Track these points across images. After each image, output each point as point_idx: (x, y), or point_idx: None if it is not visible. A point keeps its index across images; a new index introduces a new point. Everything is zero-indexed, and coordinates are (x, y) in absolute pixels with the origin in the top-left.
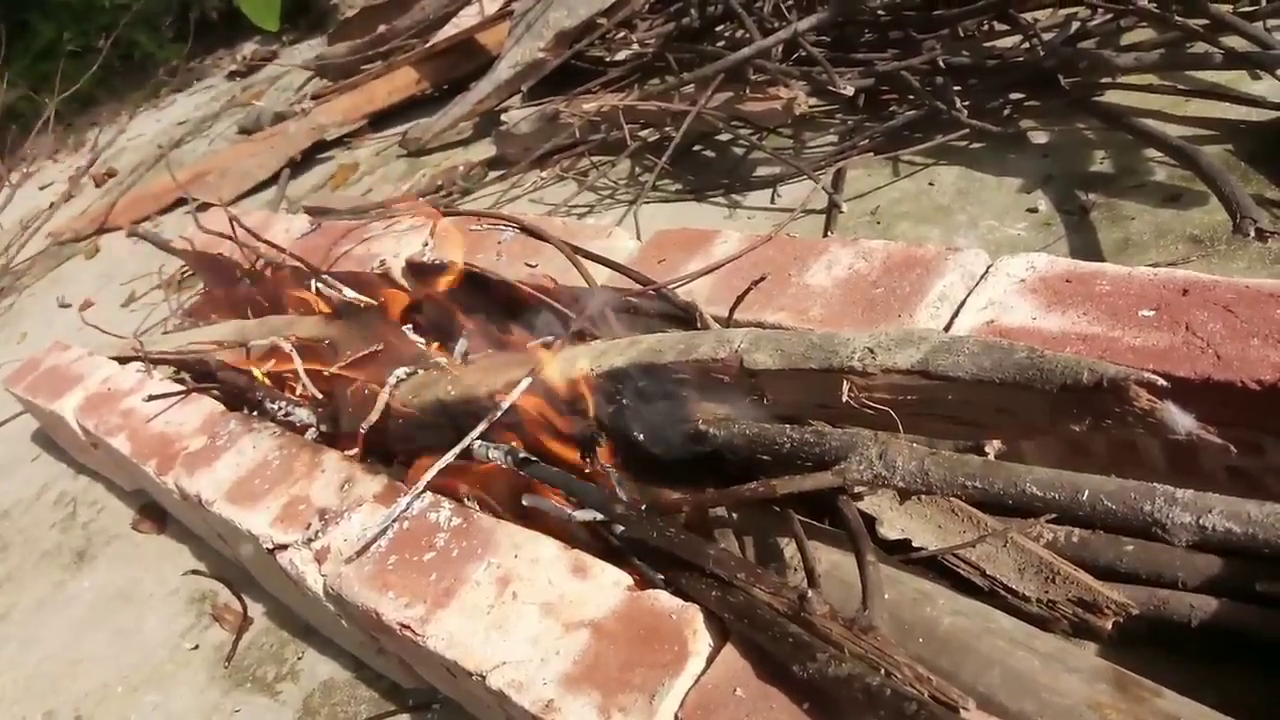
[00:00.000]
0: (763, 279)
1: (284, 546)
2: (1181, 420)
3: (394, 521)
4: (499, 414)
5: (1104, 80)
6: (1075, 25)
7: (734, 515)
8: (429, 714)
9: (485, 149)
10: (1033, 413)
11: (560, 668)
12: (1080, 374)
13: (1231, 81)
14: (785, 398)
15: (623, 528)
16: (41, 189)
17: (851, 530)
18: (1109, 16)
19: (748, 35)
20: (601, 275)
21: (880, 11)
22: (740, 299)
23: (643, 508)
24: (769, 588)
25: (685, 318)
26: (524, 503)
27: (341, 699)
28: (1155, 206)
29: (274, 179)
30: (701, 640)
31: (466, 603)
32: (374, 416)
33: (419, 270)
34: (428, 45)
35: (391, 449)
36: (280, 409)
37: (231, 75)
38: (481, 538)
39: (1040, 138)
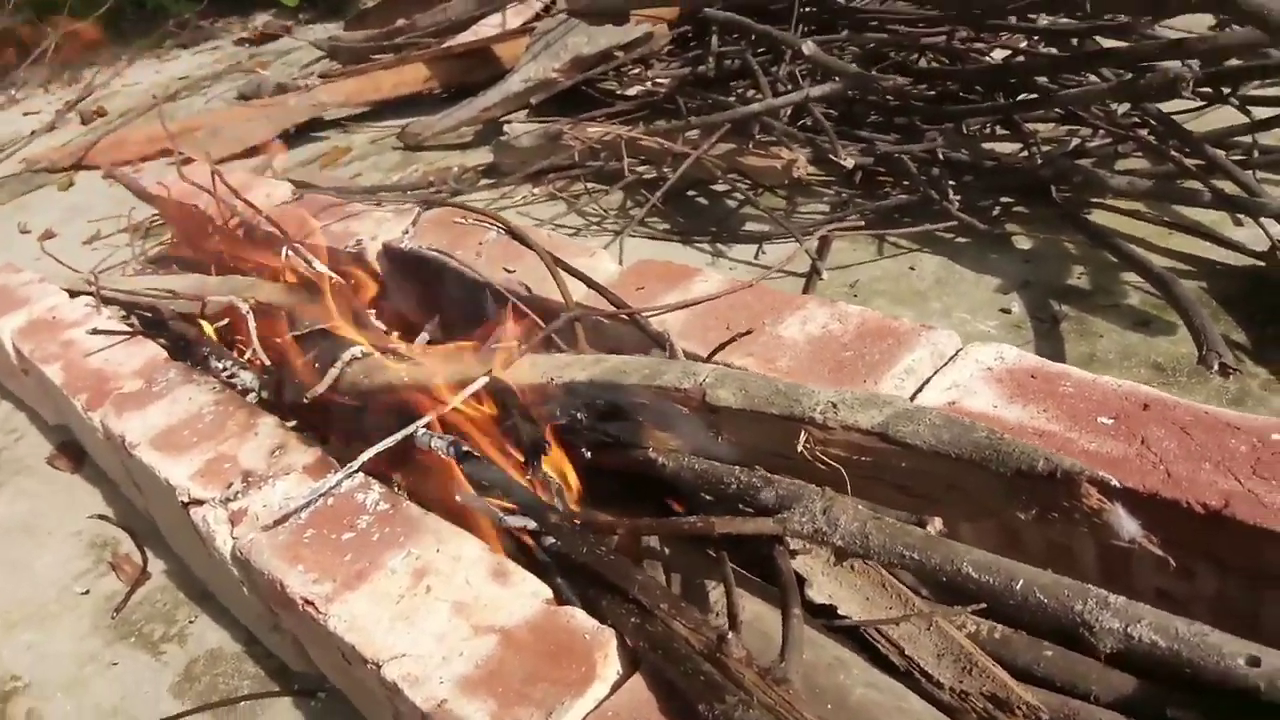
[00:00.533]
0: (747, 333)
1: (200, 502)
2: (1128, 525)
3: (320, 496)
4: (449, 406)
5: (1095, 199)
6: (1075, 141)
7: (666, 549)
8: (313, 701)
9: (482, 156)
10: (983, 493)
11: (461, 669)
12: (1036, 461)
13: (1215, 223)
14: (741, 439)
15: (553, 539)
16: (25, 115)
17: (782, 581)
18: (1108, 140)
19: (759, 93)
20: (578, 292)
21: (889, 96)
22: (720, 348)
23: (577, 523)
24: (689, 623)
25: (655, 346)
26: (456, 498)
27: (226, 671)
28: (1124, 328)
29: (265, 148)
30: (611, 666)
31: (377, 589)
32: (321, 388)
33: (394, 256)
34: (444, 46)
35: (330, 426)
36: (225, 369)
37: (240, 41)
38: (406, 526)
39: (1024, 243)
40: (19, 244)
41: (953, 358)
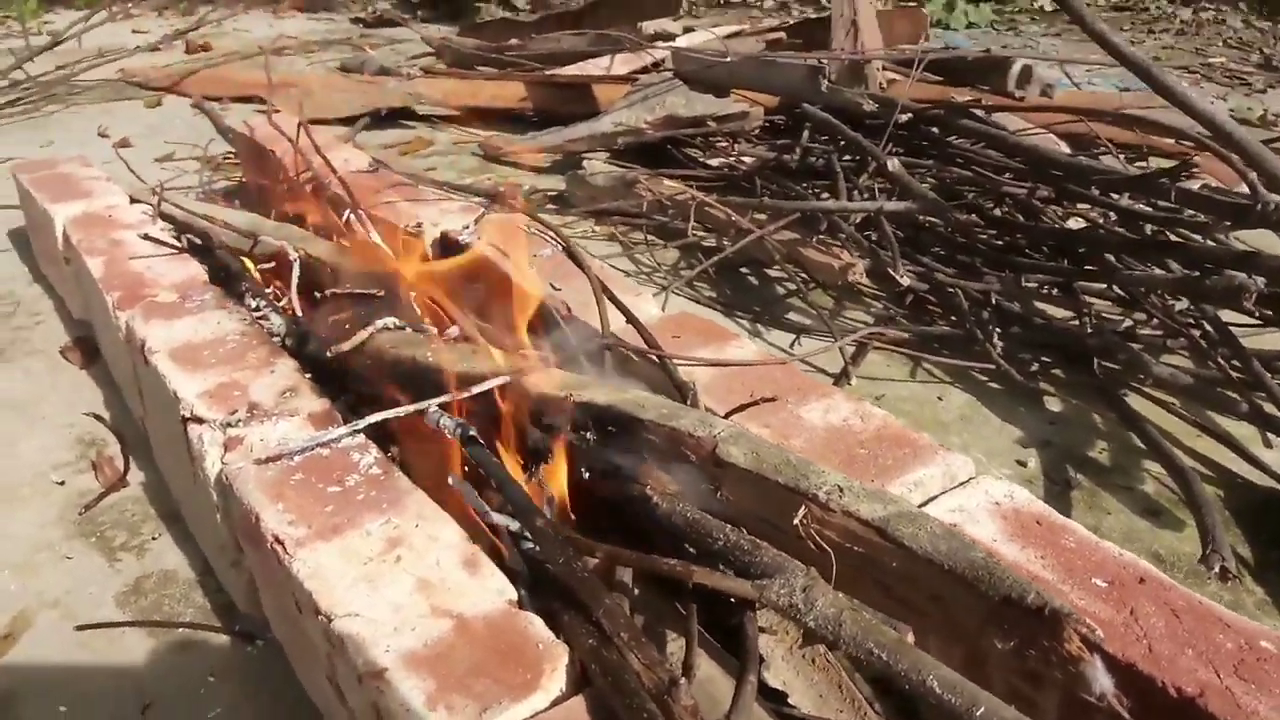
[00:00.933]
0: (771, 399)
1: (200, 421)
2: (1102, 680)
3: (318, 445)
4: (467, 393)
5: (1134, 382)
6: (1127, 323)
7: (635, 589)
8: (250, 646)
9: (553, 183)
10: (966, 613)
11: (409, 644)
12: (1026, 593)
13: (1245, 438)
14: (739, 499)
15: (532, 544)
16: (134, 32)
17: (745, 646)
18: (1159, 331)
19: (833, 194)
20: (616, 325)
21: (957, 230)
22: (741, 408)
23: (560, 535)
24: (645, 659)
25: (677, 393)
26: (449, 481)
27: (174, 594)
28: (1134, 512)
29: (351, 121)
30: (556, 680)
31: (349, 546)
32: (349, 346)
33: (449, 246)
34: (547, 73)
35: (344, 386)
36: (257, 308)
37: (356, 20)
38: (392, 495)
39: (1054, 404)
40: (94, 145)
41: (964, 483)
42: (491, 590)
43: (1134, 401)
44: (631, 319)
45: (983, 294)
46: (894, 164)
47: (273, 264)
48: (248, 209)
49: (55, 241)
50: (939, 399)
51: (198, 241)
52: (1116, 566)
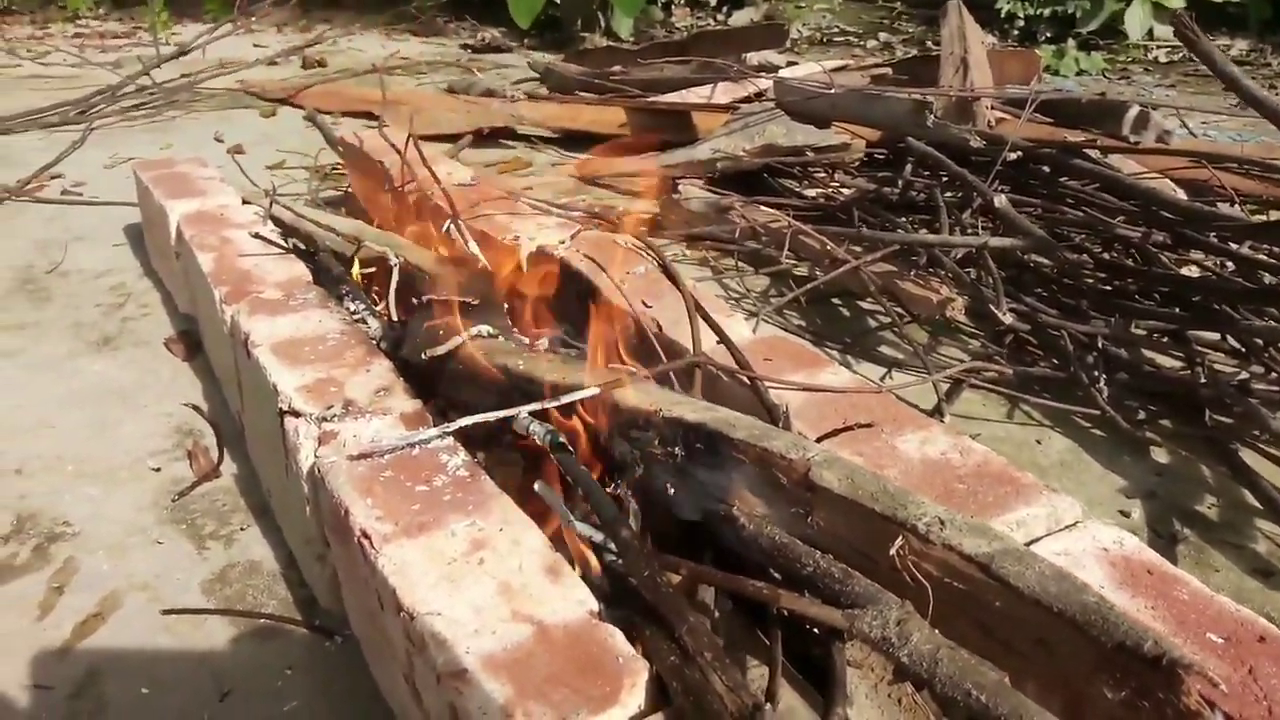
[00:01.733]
0: (869, 425)
1: (296, 414)
2: None
3: (410, 444)
4: (557, 402)
5: (1248, 436)
6: (1243, 375)
7: (716, 611)
8: (328, 642)
9: (647, 207)
10: (1074, 659)
11: (489, 646)
12: (1144, 641)
13: None
14: (830, 527)
15: (616, 556)
16: (255, 46)
17: (833, 678)
18: (1278, 387)
19: (935, 228)
20: (707, 344)
21: (1065, 270)
22: (835, 433)
23: (644, 549)
24: (729, 681)
25: (767, 416)
26: (535, 487)
27: (258, 585)
28: (1244, 571)
29: (456, 139)
30: (636, 696)
31: (434, 545)
32: (443, 349)
33: (544, 259)
34: (648, 99)
35: (434, 388)
36: (356, 310)
37: (465, 46)
38: (478, 498)
39: (1160, 455)
40: (209, 149)
41: (1069, 526)
42: (573, 599)
43: (1246, 457)
44: (724, 338)
45: (1088, 337)
46: (1001, 200)
47: (373, 269)
48: (352, 217)
49: (168, 236)
50: (1037, 442)
51: (303, 246)
52: (1234, 623)
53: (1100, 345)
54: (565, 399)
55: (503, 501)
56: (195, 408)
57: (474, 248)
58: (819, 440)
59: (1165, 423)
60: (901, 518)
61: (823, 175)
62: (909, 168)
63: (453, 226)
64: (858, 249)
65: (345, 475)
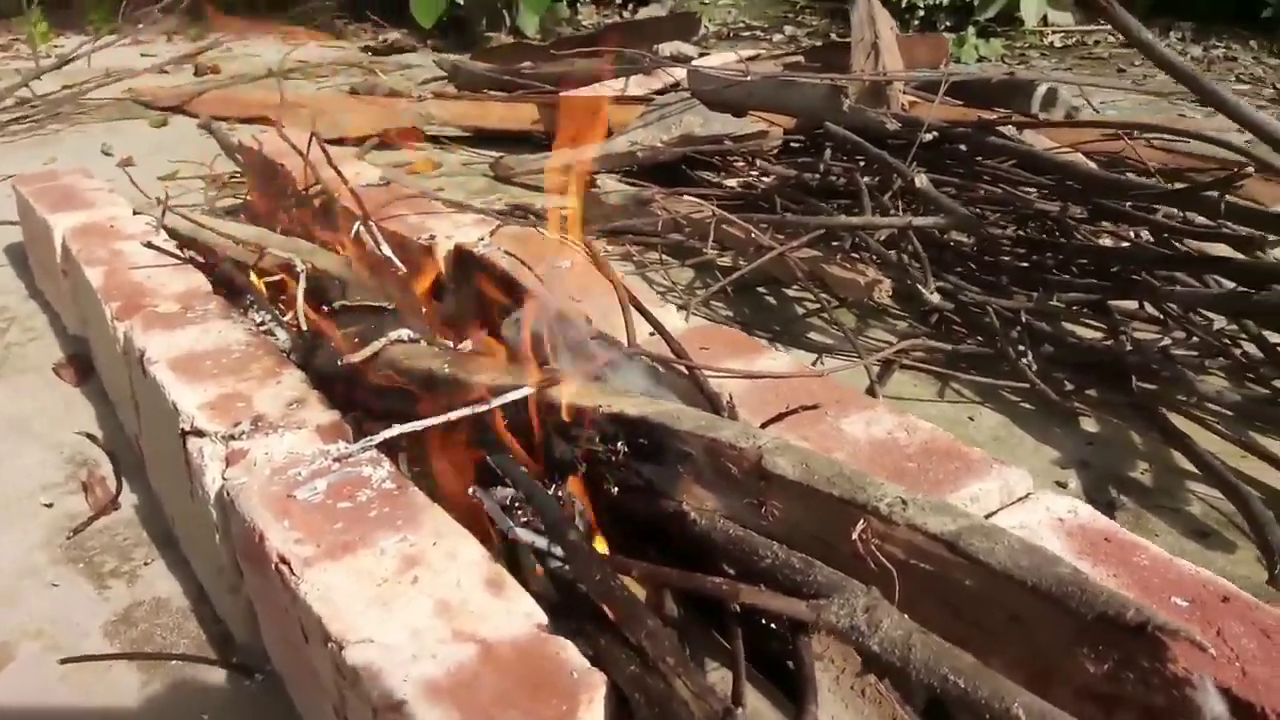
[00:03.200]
0: (814, 407)
1: (200, 434)
2: (1215, 704)
3: (329, 460)
4: (489, 405)
5: (1177, 400)
6: (1166, 341)
7: (672, 614)
8: (248, 680)
9: (565, 203)
10: (1051, 634)
11: (430, 672)
12: (1125, 609)
13: None
14: (787, 515)
15: (563, 561)
16: (144, 55)
17: (803, 674)
18: (1196, 351)
19: (858, 209)
20: (642, 336)
21: (990, 246)
22: (779, 417)
23: (593, 552)
24: (695, 688)
25: (709, 405)
26: (469, 493)
27: (166, 624)
28: (1181, 534)
29: (361, 141)
30: (594, 712)
31: (361, 566)
32: (360, 357)
33: (463, 260)
34: (561, 94)
35: (353, 399)
36: (262, 322)
37: (366, 48)
38: (407, 511)
39: (1089, 425)
40: (97, 162)
41: (1022, 499)
42: (518, 613)
43: (1174, 422)
44: (659, 329)
45: (1012, 312)
46: (922, 180)
47: (279, 278)
48: (254, 224)
49: (53, 253)
50: (970, 419)
51: (200, 257)
52: (1196, 585)
53: (1024, 320)
54: (497, 401)
55: (434, 513)
56: (89, 436)
57: (386, 249)
58: (764, 426)
59: (1092, 393)
60: (861, 500)
61: (742, 164)
62: (828, 153)
63: (363, 229)
64: (782, 236)
65: (258, 497)
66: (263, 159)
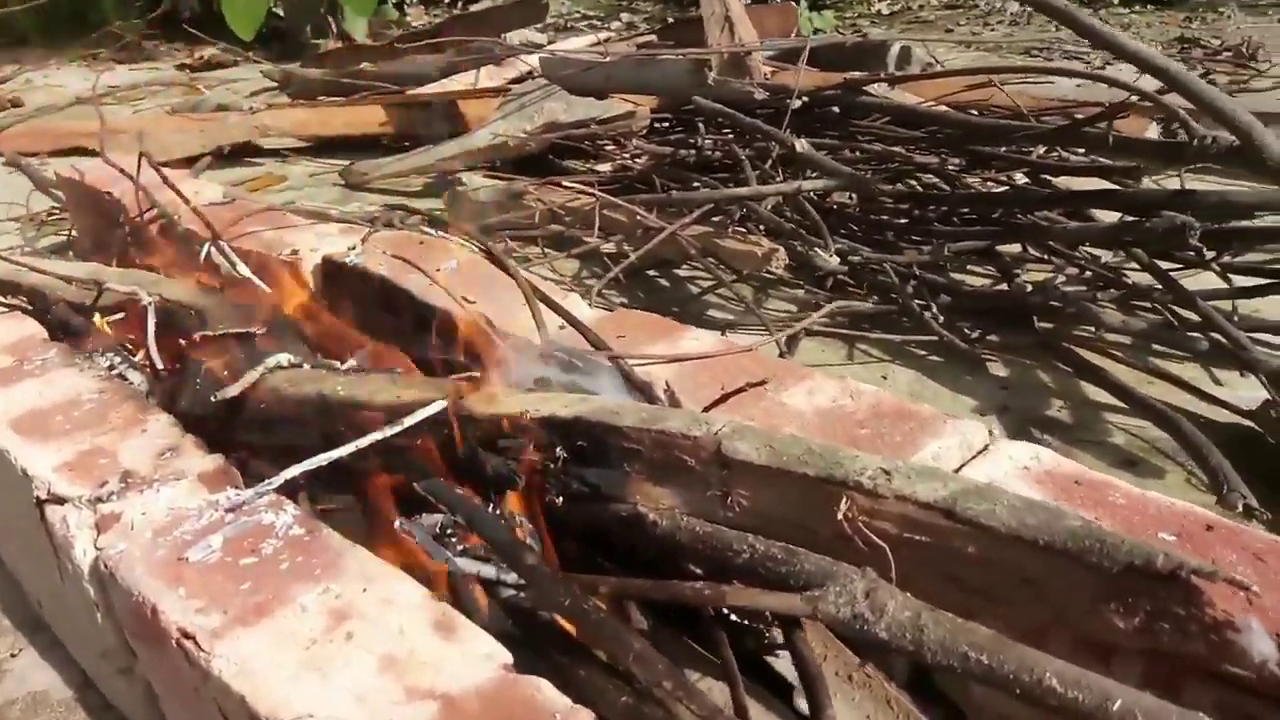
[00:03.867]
0: (762, 383)
1: (60, 500)
2: (1262, 644)
3: (221, 510)
4: (401, 426)
5: (1078, 334)
6: (1060, 279)
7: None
8: None
9: (429, 206)
10: (1070, 593)
11: None
12: (1154, 558)
13: (1194, 378)
14: (756, 503)
15: (518, 590)
16: None
17: (809, 674)
18: (1084, 285)
19: (742, 179)
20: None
21: (883, 202)
22: (725, 398)
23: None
24: (703, 712)
25: (640, 396)
26: (396, 526)
27: None
28: (1110, 466)
29: (191, 163)
30: None
31: (282, 629)
32: (236, 390)
33: (333, 272)
34: (409, 93)
35: (233, 439)
36: (111, 365)
37: (182, 67)
38: (325, 558)
39: (999, 369)
40: None
41: (983, 450)
42: (477, 655)
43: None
44: (571, 320)
45: (905, 268)
46: (802, 144)
47: (123, 315)
48: (84, 261)
49: None
50: (883, 378)
51: (28, 304)
52: (1176, 517)
53: (917, 274)
54: (410, 420)
55: (357, 555)
56: None
57: (244, 270)
58: (710, 406)
59: (993, 338)
60: (840, 476)
61: (612, 148)
62: (701, 128)
63: (213, 250)
64: (667, 215)
65: (142, 565)
66: (86, 190)
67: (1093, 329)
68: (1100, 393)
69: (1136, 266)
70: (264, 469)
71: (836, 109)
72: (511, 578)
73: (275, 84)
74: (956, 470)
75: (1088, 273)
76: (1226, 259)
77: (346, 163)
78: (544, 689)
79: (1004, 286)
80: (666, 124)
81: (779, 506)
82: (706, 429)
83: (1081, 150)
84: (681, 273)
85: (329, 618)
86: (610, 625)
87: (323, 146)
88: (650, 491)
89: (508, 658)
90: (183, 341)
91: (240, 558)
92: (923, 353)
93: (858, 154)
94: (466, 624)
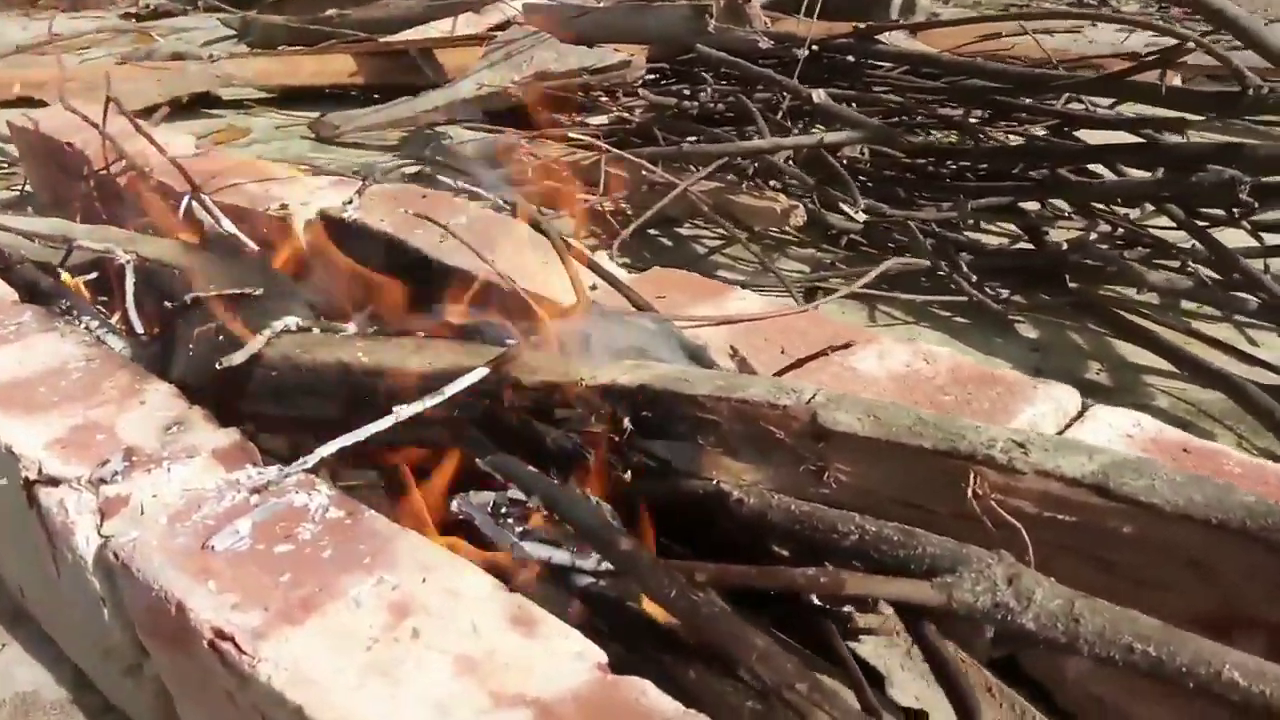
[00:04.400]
0: (847, 345)
1: (54, 481)
2: None
3: (244, 491)
4: (441, 395)
5: (1103, 294)
6: (1093, 236)
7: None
8: None
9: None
10: (1245, 578)
11: None
12: None
13: (1228, 339)
14: (858, 479)
15: (599, 577)
16: None
17: (949, 671)
18: (1120, 243)
19: (750, 133)
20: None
21: (909, 156)
22: (800, 363)
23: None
24: (846, 718)
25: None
26: (454, 506)
27: None
28: None
29: (149, 114)
30: None
31: (336, 627)
32: (242, 357)
33: (330, 228)
34: (382, 40)
35: (242, 409)
36: (88, 328)
37: (127, 15)
38: (372, 544)
39: (1028, 331)
40: None
41: (1079, 417)
42: (567, 653)
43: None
44: (610, 279)
45: (927, 225)
46: (820, 95)
47: (94, 275)
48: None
49: None
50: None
51: None
52: None
53: (936, 231)
54: (453, 387)
55: (409, 540)
56: None
57: (228, 225)
58: (783, 371)
59: (1018, 298)
60: (966, 450)
61: (606, 99)
62: (708, 78)
63: (195, 204)
64: (674, 169)
65: (161, 554)
66: (43, 140)
67: (1135, 288)
68: (1139, 354)
69: (1161, 225)
70: (276, 443)
71: (851, 58)
72: (589, 564)
73: (233, 32)
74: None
75: (1119, 230)
76: (1255, 217)
77: (316, 114)
78: (649, 692)
79: (1029, 245)
80: (661, 75)
81: (886, 483)
82: (796, 398)
83: (1110, 103)
84: (684, 231)
85: (388, 613)
86: (729, 620)
87: (287, 98)
88: (729, 466)
89: (601, 656)
90: (168, 304)
91: (274, 545)
92: (948, 314)
93: (876, 106)
94: (547, 617)
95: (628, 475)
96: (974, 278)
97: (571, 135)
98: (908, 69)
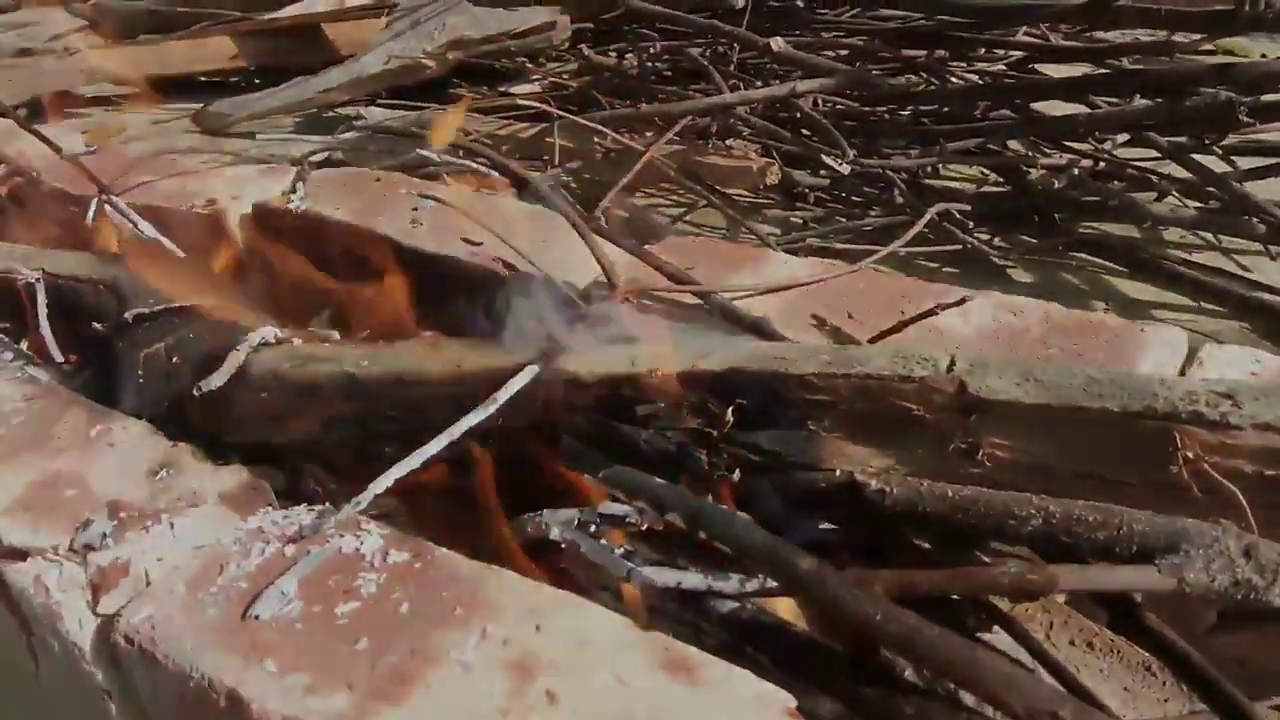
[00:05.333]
0: (961, 302)
1: (22, 554)
2: None
3: (278, 542)
4: (495, 404)
5: (1087, 230)
6: (1075, 172)
7: None
8: None
9: (310, 148)
10: None
11: None
12: None
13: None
14: (1018, 455)
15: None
16: None
17: (1193, 663)
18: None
19: (707, 90)
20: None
21: (883, 102)
22: (902, 325)
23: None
24: None
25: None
26: (555, 535)
27: None
28: None
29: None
30: None
31: (447, 699)
32: (219, 380)
33: (271, 223)
34: (265, 18)
35: (226, 433)
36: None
37: None
38: (457, 588)
39: (1022, 275)
40: None
41: (1192, 359)
42: (744, 699)
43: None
44: (636, 251)
45: (906, 172)
46: (779, 43)
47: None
48: None
49: None
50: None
51: None
52: None
53: (905, 179)
54: (504, 392)
55: (505, 580)
56: None
57: (148, 229)
58: (876, 337)
59: (1000, 243)
60: (1164, 408)
61: (531, 67)
62: (655, 35)
63: (106, 207)
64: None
65: (192, 633)
66: None
67: (1138, 221)
68: (1142, 289)
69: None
70: (274, 475)
71: (799, 2)
72: (729, 586)
73: (87, 22)
74: None
75: (1100, 164)
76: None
77: (198, 105)
78: None
79: (1003, 188)
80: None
81: (1058, 455)
82: (934, 366)
83: (1076, 29)
84: (639, 200)
85: (509, 675)
86: (959, 643)
87: (158, 89)
88: (852, 452)
89: (788, 699)
90: (98, 325)
91: (334, 604)
92: (934, 265)
93: (835, 51)
94: (706, 658)
95: (735, 475)
96: (970, 225)
97: (518, 103)
98: (858, 10)
